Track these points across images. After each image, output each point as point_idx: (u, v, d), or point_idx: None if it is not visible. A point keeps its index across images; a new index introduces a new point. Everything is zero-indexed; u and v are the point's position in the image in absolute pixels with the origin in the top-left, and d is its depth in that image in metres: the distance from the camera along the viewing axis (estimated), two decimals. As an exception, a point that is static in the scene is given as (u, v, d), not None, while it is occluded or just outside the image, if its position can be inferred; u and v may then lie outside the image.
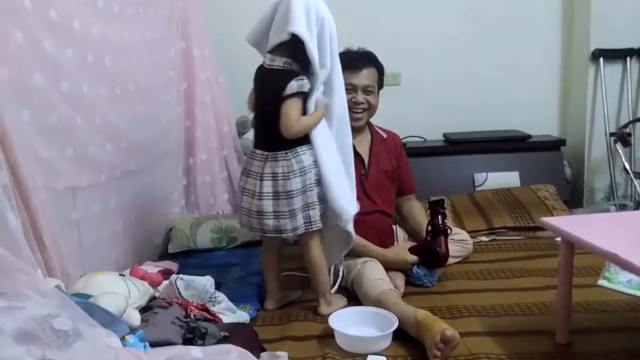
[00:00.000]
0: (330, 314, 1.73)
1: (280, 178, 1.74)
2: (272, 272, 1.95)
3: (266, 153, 1.78)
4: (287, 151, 1.75)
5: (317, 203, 1.78)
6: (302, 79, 1.71)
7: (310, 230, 1.80)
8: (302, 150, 1.76)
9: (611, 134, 2.87)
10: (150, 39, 2.28)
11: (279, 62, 1.72)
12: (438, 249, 2.02)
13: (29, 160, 1.43)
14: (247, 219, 1.83)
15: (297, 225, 1.77)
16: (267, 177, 1.75)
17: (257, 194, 1.77)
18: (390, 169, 2.23)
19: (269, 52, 1.75)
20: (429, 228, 2.07)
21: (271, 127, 1.75)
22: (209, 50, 2.77)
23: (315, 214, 1.79)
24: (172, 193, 2.67)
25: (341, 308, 1.84)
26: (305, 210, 1.78)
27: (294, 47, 1.68)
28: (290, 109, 1.70)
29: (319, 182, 1.78)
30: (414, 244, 2.16)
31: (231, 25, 3.01)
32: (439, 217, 2.06)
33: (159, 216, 2.49)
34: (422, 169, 2.69)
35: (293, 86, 1.69)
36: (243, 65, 2.93)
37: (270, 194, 1.75)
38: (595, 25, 2.89)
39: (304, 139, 1.77)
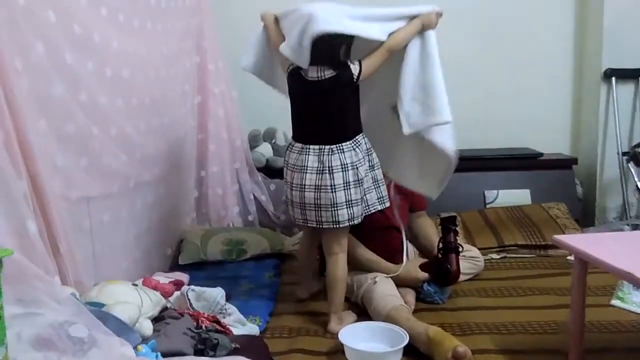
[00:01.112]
0: (338, 329, 1.73)
1: (349, 168, 1.79)
2: (309, 262, 2.08)
3: (327, 147, 1.79)
4: (350, 142, 1.80)
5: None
6: (348, 58, 1.76)
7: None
8: (361, 138, 1.84)
9: (624, 153, 2.86)
10: (167, 53, 2.32)
11: (329, 72, 1.75)
12: (449, 266, 2.01)
13: (47, 169, 1.46)
14: (301, 213, 1.85)
15: (367, 204, 1.86)
16: (336, 169, 1.78)
17: (324, 187, 1.78)
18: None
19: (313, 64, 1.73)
20: (441, 245, 2.07)
21: (335, 119, 1.79)
22: (222, 65, 2.81)
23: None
24: (184, 205, 2.69)
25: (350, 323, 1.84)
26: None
27: (331, 46, 1.71)
28: (372, 58, 1.74)
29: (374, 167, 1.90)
30: (425, 260, 2.15)
31: (245, 40, 3.06)
32: (451, 234, 2.05)
33: (170, 227, 2.51)
34: (433, 185, 2.69)
35: (355, 70, 1.74)
36: (256, 80, 3.00)
37: (342, 185, 1.78)
38: (608, 44, 2.90)
39: (360, 129, 1.85)
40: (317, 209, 1.81)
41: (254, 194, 2.90)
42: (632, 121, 2.97)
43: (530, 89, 3.13)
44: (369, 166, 1.86)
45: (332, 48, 1.72)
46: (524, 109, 3.14)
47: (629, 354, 1.62)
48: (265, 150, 3.00)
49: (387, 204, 1.93)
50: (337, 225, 1.81)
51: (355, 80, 1.75)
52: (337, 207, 1.79)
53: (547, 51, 3.12)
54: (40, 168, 1.40)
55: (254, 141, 3.00)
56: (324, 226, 1.84)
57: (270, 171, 2.96)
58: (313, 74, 1.76)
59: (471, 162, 3.02)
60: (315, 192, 1.79)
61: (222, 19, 2.88)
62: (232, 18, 2.98)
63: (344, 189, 1.78)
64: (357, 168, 1.80)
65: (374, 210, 1.88)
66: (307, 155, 1.81)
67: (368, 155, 1.86)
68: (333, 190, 1.77)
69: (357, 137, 1.83)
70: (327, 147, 1.78)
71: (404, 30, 1.74)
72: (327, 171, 1.78)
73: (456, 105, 3.06)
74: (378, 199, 1.89)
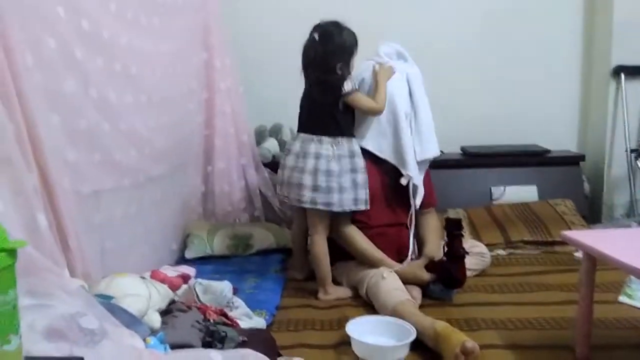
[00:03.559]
0: (326, 300, 2.05)
1: (323, 157, 2.04)
2: (300, 245, 2.28)
3: (309, 135, 2.07)
4: (330, 138, 2.06)
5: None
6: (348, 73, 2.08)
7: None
8: (344, 140, 2.09)
9: (632, 150, 2.85)
10: (175, 50, 2.33)
11: (326, 78, 2.07)
12: (454, 273, 2.00)
13: (57, 164, 1.47)
14: (285, 190, 2.12)
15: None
16: (311, 155, 2.05)
17: (299, 168, 2.05)
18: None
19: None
20: (446, 249, 2.05)
21: (319, 115, 2.08)
22: (229, 61, 2.81)
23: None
24: (191, 200, 2.70)
25: (341, 298, 2.07)
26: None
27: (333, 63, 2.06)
28: (362, 100, 2.08)
29: None
30: (431, 258, 2.14)
31: (252, 36, 3.07)
32: (457, 240, 2.01)
33: (177, 222, 2.52)
34: (440, 181, 2.68)
35: (347, 87, 2.05)
36: (263, 75, 3.02)
37: (312, 170, 2.04)
38: (617, 41, 2.89)
39: (345, 133, 2.09)
40: (296, 187, 2.06)
41: (260, 190, 2.91)
42: (641, 118, 2.95)
43: (538, 85, 3.12)
44: (350, 169, 2.06)
45: (333, 63, 2.03)
46: (531, 105, 3.14)
47: (636, 351, 1.62)
48: (271, 145, 3.01)
49: (362, 207, 2.08)
50: (300, 204, 2.06)
51: (341, 94, 2.04)
52: (302, 188, 2.03)
53: (556, 47, 3.11)
54: (50, 162, 1.41)
55: (260, 137, 3.00)
56: (297, 203, 2.09)
57: (277, 167, 2.93)
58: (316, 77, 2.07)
59: (478, 159, 3.02)
60: (293, 172, 2.07)
61: (229, 14, 2.89)
62: (239, 14, 2.99)
63: (312, 174, 2.02)
64: (329, 161, 2.03)
65: (347, 209, 2.06)
66: (295, 140, 2.12)
67: (350, 158, 2.07)
68: (303, 172, 2.04)
69: (338, 138, 2.06)
70: (309, 136, 2.07)
71: (378, 92, 2.10)
72: (302, 155, 2.06)
73: (463, 102, 3.11)
74: (353, 199, 2.06)
